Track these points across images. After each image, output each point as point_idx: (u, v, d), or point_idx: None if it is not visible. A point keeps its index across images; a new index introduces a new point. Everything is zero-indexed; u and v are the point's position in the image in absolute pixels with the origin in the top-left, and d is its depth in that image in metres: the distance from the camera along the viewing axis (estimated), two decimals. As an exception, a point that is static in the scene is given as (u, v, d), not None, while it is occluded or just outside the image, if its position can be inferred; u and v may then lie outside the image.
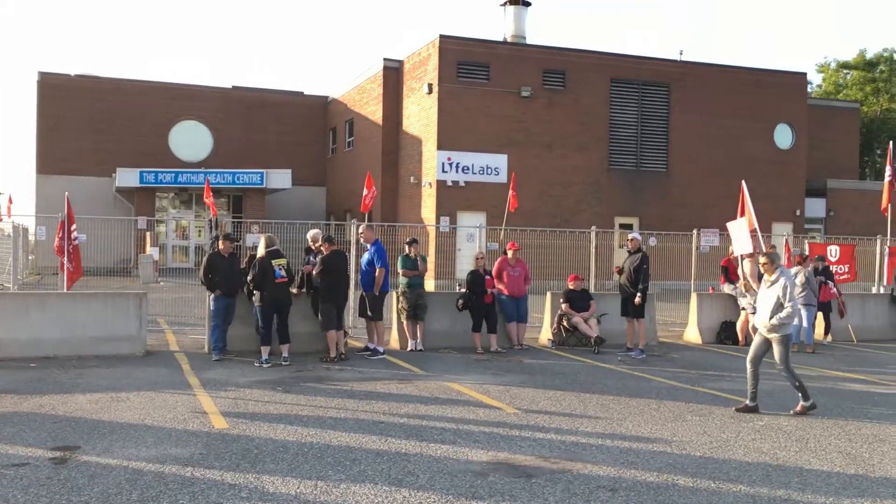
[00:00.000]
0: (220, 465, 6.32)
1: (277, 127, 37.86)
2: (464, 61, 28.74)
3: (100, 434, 7.20)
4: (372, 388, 9.71)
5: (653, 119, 31.52)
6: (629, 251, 13.40)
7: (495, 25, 32.69)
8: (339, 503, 5.53)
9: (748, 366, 8.92)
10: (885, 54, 40.41)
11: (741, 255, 15.25)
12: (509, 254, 14.06)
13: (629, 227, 30.48)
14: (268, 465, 6.34)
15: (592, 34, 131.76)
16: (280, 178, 32.44)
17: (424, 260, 13.53)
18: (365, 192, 16.57)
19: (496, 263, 14.22)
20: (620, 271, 13.44)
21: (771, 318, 8.65)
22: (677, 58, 32.53)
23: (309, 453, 6.70)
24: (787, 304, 8.59)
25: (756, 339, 9.05)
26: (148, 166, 32.76)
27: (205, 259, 12.10)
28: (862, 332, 16.17)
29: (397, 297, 13.35)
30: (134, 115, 35.45)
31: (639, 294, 13.00)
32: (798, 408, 8.75)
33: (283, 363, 11.26)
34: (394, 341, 13.59)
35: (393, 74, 31.79)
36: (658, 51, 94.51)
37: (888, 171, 19.02)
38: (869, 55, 40.84)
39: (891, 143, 20.32)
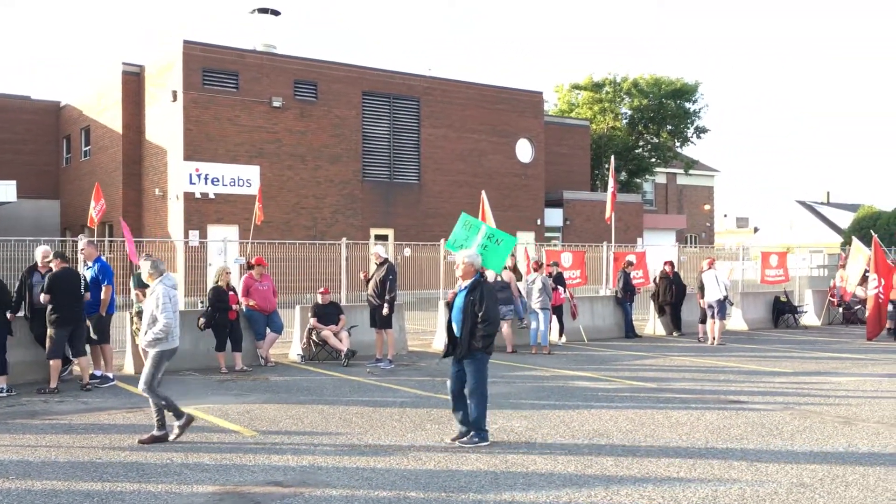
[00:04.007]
0: None
1: (0, 134, 34.06)
2: (211, 69, 27.62)
3: None
4: (95, 420, 8.84)
5: (404, 132, 32.25)
6: (376, 264, 13.47)
7: (247, 34, 31.85)
8: (32, 559, 4.86)
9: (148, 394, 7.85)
10: (610, 77, 44.56)
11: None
12: (255, 269, 13.61)
13: (384, 237, 30.93)
14: (-51, 523, 5.47)
15: (344, 47, 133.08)
16: (3, 190, 29.11)
17: (161, 277, 12.64)
18: (93, 204, 15.22)
19: (243, 280, 13.72)
20: (368, 279, 13.48)
21: (146, 332, 7.79)
22: (426, 73, 33.54)
23: (3, 503, 5.88)
24: (160, 317, 7.72)
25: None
26: None
27: None
28: (592, 332, 17.50)
29: (131, 318, 12.38)
30: None
31: (386, 305, 13.11)
32: (175, 431, 7.78)
33: (1, 395, 10.09)
34: (128, 366, 12.58)
35: (134, 80, 29.83)
36: (408, 66, 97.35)
37: (611, 183, 20.81)
38: (596, 78, 44.79)
39: (612, 157, 22.27)
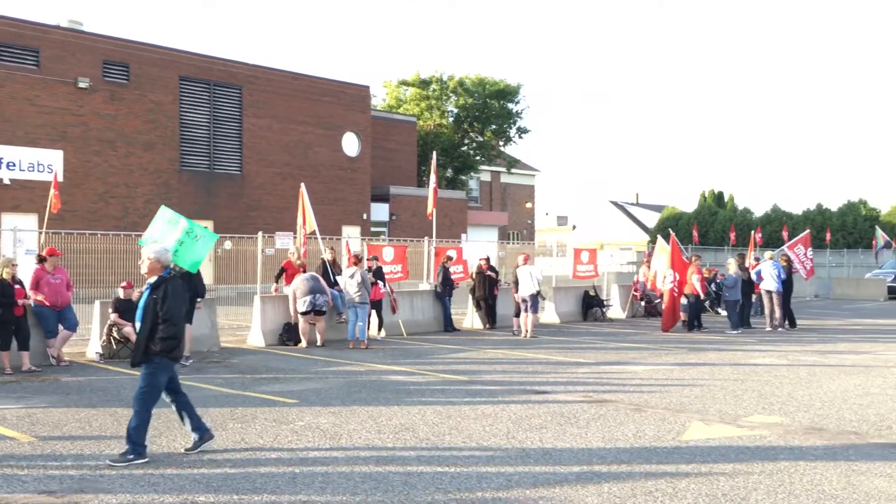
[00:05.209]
0: None
1: None
2: (7, 43, 25.36)
3: None
4: None
5: (226, 120, 31.13)
6: None
7: (49, 9, 29.51)
8: None
9: None
10: (437, 75, 45.24)
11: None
12: (47, 261, 12.57)
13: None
14: None
15: (160, 28, 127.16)
16: None
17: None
18: None
19: (33, 272, 12.63)
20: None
21: None
22: (249, 61, 32.53)
23: None
24: None
25: None
26: None
27: None
28: (411, 327, 17.61)
29: None
30: None
31: (200, 300, 12.55)
32: None
33: None
34: None
35: (-86, 50, 26.81)
36: (230, 52, 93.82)
37: (433, 179, 21.07)
38: (423, 75, 45.31)
39: (434, 153, 22.55)
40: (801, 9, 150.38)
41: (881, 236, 38.34)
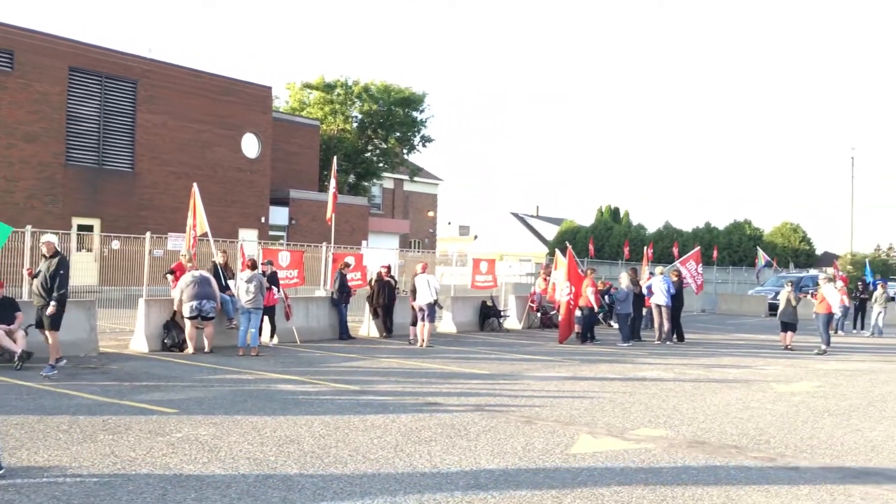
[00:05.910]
0: None
1: None
2: None
3: None
4: None
5: (118, 115, 29.84)
6: (44, 255, 11.93)
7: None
8: None
9: None
10: (342, 80, 44.74)
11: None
12: None
13: (89, 228, 28.38)
14: None
15: (49, 15, 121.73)
16: None
17: None
18: None
19: None
20: (35, 275, 11.95)
21: None
22: (146, 55, 31.30)
23: None
24: None
25: None
26: None
27: None
28: (305, 334, 17.18)
29: None
30: None
31: (53, 303, 11.58)
32: None
33: None
34: None
35: None
36: (124, 45, 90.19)
37: (333, 183, 20.72)
38: (328, 79, 44.74)
39: (335, 158, 22.20)
40: (691, 31, 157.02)
41: (762, 257, 40.37)
